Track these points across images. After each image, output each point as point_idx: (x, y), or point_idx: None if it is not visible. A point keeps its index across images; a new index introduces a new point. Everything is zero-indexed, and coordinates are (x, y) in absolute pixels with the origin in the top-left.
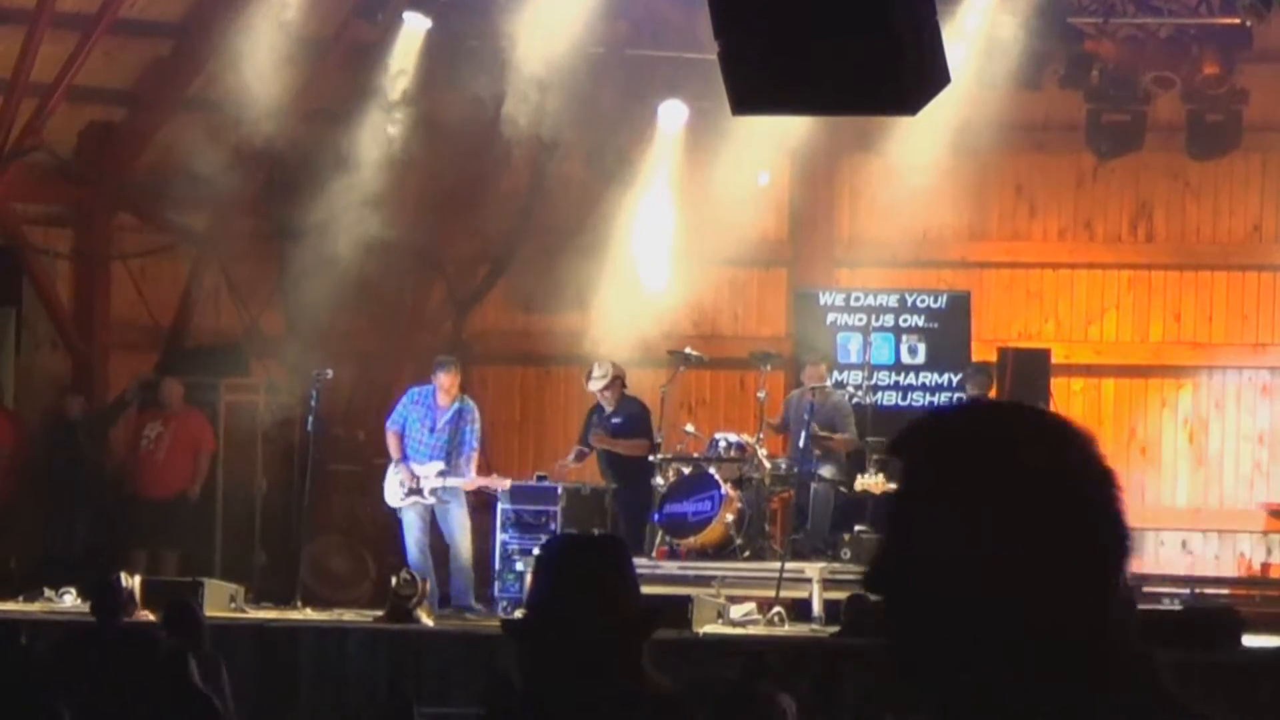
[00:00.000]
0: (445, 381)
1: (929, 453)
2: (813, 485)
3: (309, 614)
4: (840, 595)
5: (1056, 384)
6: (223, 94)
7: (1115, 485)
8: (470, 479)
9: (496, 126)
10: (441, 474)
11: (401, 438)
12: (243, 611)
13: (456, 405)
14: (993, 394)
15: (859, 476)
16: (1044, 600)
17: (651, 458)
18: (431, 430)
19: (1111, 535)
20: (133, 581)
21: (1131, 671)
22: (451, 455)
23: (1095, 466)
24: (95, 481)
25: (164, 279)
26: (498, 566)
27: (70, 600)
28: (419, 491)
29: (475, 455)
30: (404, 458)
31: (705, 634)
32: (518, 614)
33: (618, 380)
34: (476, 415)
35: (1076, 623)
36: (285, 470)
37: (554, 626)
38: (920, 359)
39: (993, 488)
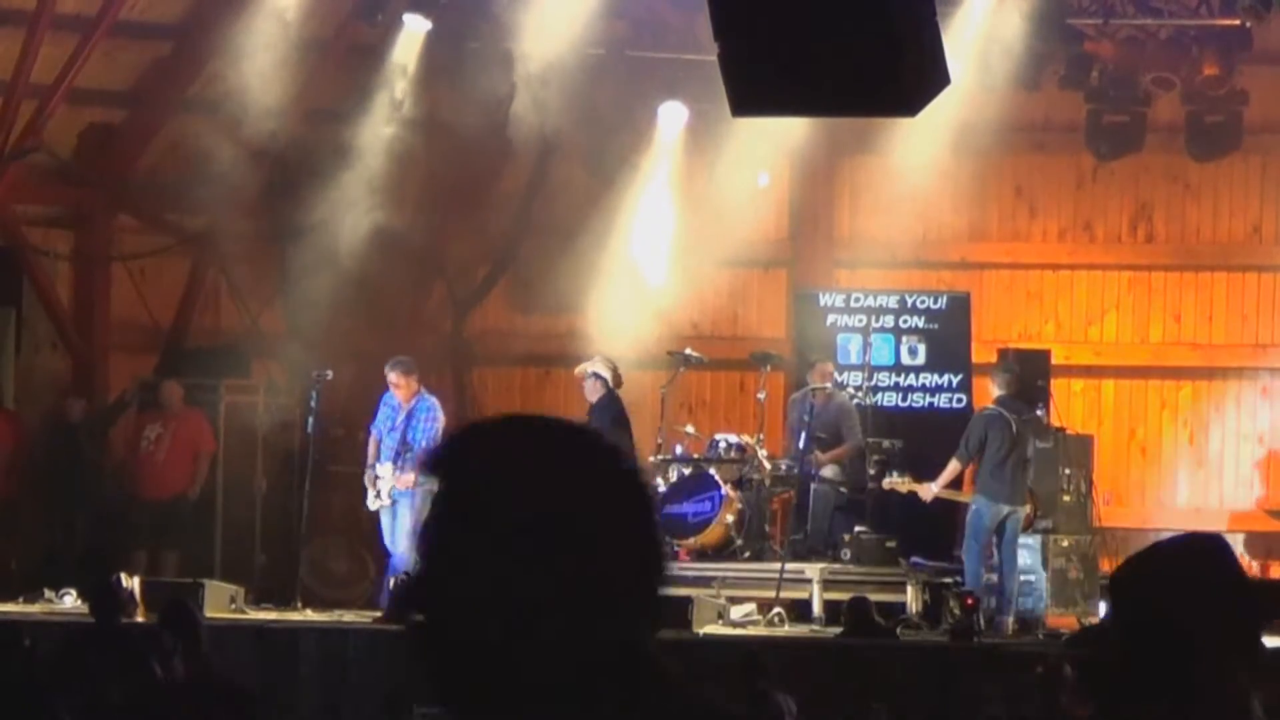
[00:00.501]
0: (393, 380)
1: (466, 471)
2: (813, 486)
3: (309, 615)
4: (841, 596)
5: (1057, 385)
6: (222, 95)
7: (648, 502)
8: (405, 476)
9: (496, 128)
10: (394, 474)
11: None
12: (243, 612)
13: (413, 404)
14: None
15: (887, 476)
16: (581, 614)
17: (653, 458)
18: (391, 430)
19: (644, 551)
20: (133, 582)
21: (665, 683)
22: (401, 454)
23: (628, 483)
24: (95, 482)
25: (164, 280)
26: None
27: (70, 601)
28: (380, 494)
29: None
30: (375, 461)
31: (705, 634)
32: None
33: (595, 375)
34: (433, 415)
35: (611, 636)
36: (285, 471)
37: None
38: (920, 360)
39: (529, 503)
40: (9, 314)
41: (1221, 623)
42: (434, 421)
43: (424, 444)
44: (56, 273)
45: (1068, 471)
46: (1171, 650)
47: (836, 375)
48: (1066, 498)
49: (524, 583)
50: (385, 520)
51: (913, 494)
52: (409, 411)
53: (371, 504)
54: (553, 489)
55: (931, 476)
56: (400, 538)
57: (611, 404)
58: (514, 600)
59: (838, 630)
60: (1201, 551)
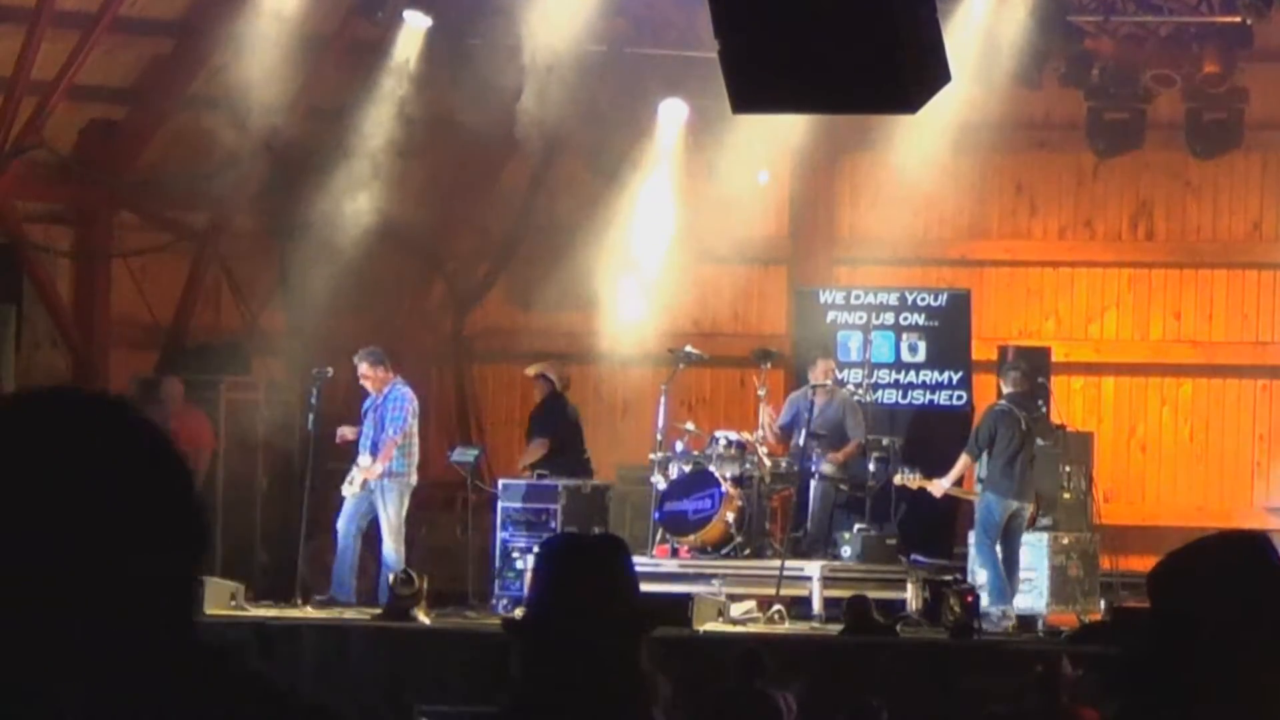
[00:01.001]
0: (362, 371)
1: None
2: (813, 483)
3: (309, 612)
4: (841, 593)
5: (1057, 382)
6: (223, 92)
7: (179, 468)
8: (372, 467)
9: (497, 125)
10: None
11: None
12: (243, 609)
13: (385, 393)
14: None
15: (898, 473)
16: (111, 586)
17: (653, 455)
18: (368, 421)
19: (174, 519)
20: None
21: (208, 660)
22: (378, 445)
23: (156, 449)
24: None
25: (164, 277)
26: (498, 564)
27: None
28: (352, 482)
29: (390, 442)
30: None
31: (705, 632)
32: (518, 612)
33: (542, 377)
34: (401, 404)
35: (143, 608)
36: (286, 468)
37: (554, 625)
38: (920, 357)
39: (44, 478)
40: (9, 311)
41: (1262, 621)
42: (402, 410)
43: (391, 433)
44: (57, 269)
45: (1068, 469)
46: (1208, 649)
47: (837, 372)
48: (1067, 495)
49: (56, 552)
50: (348, 506)
51: (921, 490)
52: (381, 401)
53: (344, 490)
54: (73, 461)
55: (932, 473)
56: (382, 527)
57: (551, 402)
58: (53, 568)
59: (838, 628)
60: (1242, 548)
